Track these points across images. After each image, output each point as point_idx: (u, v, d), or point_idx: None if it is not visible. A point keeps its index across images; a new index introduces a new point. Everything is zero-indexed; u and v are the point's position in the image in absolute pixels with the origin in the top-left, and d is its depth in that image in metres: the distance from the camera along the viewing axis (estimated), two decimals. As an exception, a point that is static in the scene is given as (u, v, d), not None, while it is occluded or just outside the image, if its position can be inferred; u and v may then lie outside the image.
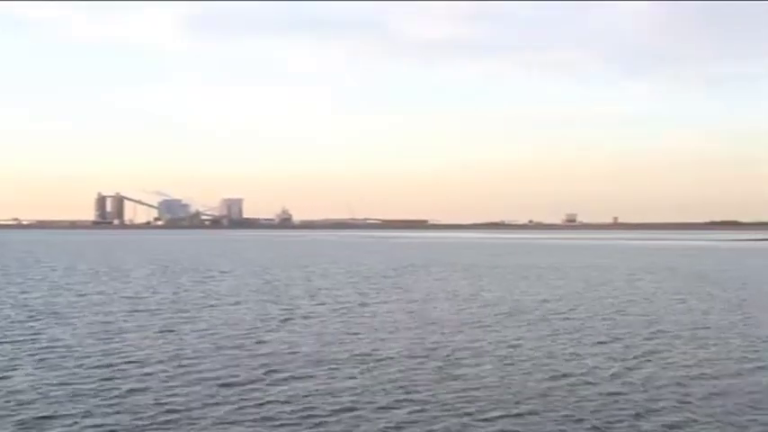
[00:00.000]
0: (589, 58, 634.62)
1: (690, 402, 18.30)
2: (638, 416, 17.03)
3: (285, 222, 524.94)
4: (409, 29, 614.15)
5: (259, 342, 26.55)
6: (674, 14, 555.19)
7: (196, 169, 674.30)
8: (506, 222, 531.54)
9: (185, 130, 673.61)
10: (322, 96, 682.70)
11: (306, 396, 18.72)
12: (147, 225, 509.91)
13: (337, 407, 17.67)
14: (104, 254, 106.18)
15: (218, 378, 20.66)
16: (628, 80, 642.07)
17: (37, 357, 23.46)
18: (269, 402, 18.07)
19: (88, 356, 23.62)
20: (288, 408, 17.60)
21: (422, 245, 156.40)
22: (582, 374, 21.31)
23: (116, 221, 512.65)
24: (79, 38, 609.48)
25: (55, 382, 20.05)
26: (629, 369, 22.10)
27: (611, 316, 34.20)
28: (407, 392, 19.11)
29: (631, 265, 76.79)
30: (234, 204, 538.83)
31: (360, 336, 28.15)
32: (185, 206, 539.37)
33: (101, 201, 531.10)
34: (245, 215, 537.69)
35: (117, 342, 26.40)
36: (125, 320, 32.09)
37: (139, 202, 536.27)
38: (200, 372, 21.51)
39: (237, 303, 39.04)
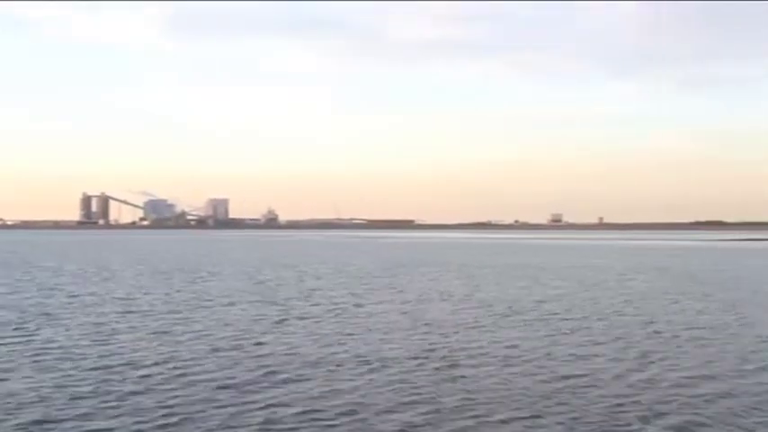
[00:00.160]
0: (576, 59, 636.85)
1: (695, 404, 18.18)
2: (644, 418, 16.88)
3: (271, 222, 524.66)
4: (397, 30, 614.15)
5: (257, 344, 26.28)
6: (661, 15, 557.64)
7: (182, 169, 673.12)
8: (493, 222, 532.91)
9: (171, 130, 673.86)
10: (309, 97, 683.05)
11: (307, 398, 18.50)
12: (133, 225, 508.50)
13: (340, 409, 17.46)
14: (92, 254, 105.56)
15: (217, 380, 20.41)
16: (614, 81, 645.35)
17: (32, 359, 23.13)
18: (271, 405, 17.83)
19: (84, 358, 23.33)
20: (290, 410, 17.37)
21: (409, 245, 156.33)
22: (584, 376, 21.16)
23: (101, 221, 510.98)
24: (64, 37, 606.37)
25: (52, 384, 19.77)
26: (631, 370, 21.95)
27: (608, 316, 34.12)
28: (410, 394, 18.92)
29: (622, 265, 76.89)
30: (220, 204, 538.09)
31: (358, 337, 27.95)
32: (171, 206, 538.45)
33: (86, 201, 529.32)
34: (231, 215, 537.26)
35: (113, 344, 26.11)
36: (119, 322, 31.78)
37: (125, 202, 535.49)
38: (198, 373, 21.27)
39: (231, 304, 38.75)
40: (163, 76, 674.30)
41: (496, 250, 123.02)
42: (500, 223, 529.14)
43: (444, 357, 23.77)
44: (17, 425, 16.18)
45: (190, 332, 28.93)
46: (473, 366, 22.50)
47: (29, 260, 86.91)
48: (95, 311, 35.26)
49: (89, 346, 25.63)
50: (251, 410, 17.38)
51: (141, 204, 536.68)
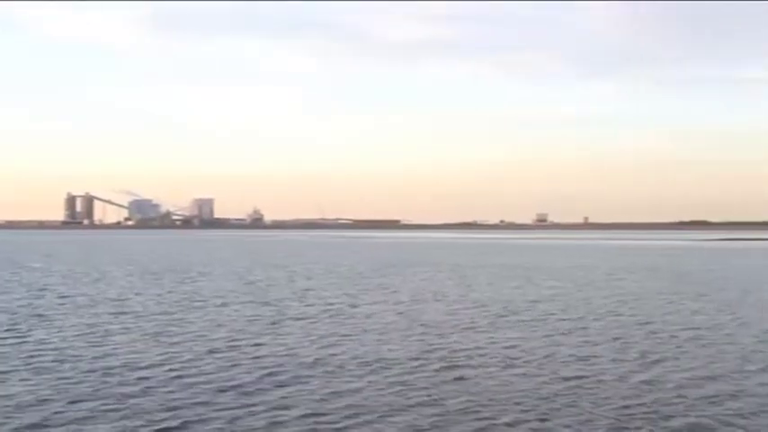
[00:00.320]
0: (558, 59, 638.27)
1: (700, 405, 18.08)
2: (652, 420, 16.77)
3: (256, 222, 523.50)
4: (381, 30, 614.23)
5: (255, 345, 26.05)
6: (641, 16, 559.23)
7: (167, 169, 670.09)
8: (478, 222, 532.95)
9: (156, 130, 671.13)
10: (294, 97, 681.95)
11: (310, 401, 18.32)
12: (118, 225, 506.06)
13: (344, 412, 17.26)
14: (79, 254, 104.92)
15: (217, 382, 20.20)
16: (597, 81, 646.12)
17: (28, 361, 22.82)
18: (273, 408, 17.65)
19: (81, 360, 23.06)
20: (293, 413, 17.21)
21: (396, 245, 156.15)
22: (586, 377, 21.03)
23: (86, 221, 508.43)
24: (47, 36, 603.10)
25: (49, 386, 19.51)
26: (633, 372, 21.84)
27: (605, 317, 34.04)
28: (414, 397, 18.74)
29: (612, 265, 76.98)
30: (205, 204, 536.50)
31: (356, 338, 27.74)
32: (156, 206, 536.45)
33: (70, 201, 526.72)
34: (217, 215, 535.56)
35: (109, 345, 25.82)
36: (113, 323, 31.46)
37: (109, 201, 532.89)
38: (198, 375, 21.03)
39: (224, 305, 38.45)
40: (147, 76, 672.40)
41: (484, 250, 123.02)
42: (485, 223, 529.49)
43: (445, 359, 23.62)
44: (17, 427, 15.96)
45: (186, 333, 28.67)
46: (474, 368, 22.36)
47: (15, 260, 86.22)
48: (88, 312, 34.93)
49: (85, 347, 25.34)
50: (254, 413, 17.18)
51: (126, 204, 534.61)
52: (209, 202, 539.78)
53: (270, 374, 21.24)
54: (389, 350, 25.07)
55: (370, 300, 41.06)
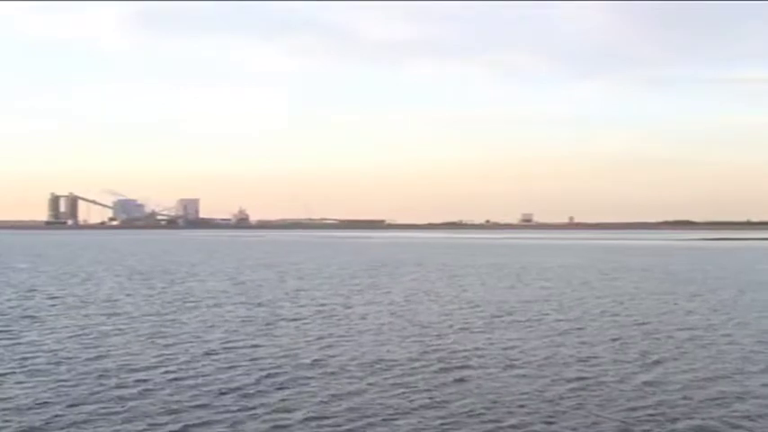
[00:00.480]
0: (546, 59, 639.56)
1: (706, 407, 17.99)
2: (660, 423, 16.63)
3: (242, 222, 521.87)
4: (366, 29, 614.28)
5: (252, 346, 25.77)
6: (628, 16, 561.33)
7: (152, 169, 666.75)
8: (464, 222, 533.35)
9: (142, 129, 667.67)
10: (279, 96, 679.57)
11: (313, 403, 18.09)
12: (102, 225, 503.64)
13: (347, 415, 17.05)
14: (64, 255, 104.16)
15: (216, 384, 19.95)
16: (582, 81, 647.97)
17: (23, 363, 22.49)
18: (277, 410, 17.44)
19: (77, 362, 22.74)
20: (297, 415, 17.01)
21: (383, 245, 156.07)
22: (589, 378, 20.88)
23: (70, 222, 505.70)
24: (21, 34, 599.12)
25: (47, 389, 19.22)
26: (636, 373, 21.69)
27: (602, 317, 33.94)
28: (417, 399, 18.54)
29: (602, 265, 76.99)
30: (190, 204, 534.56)
31: (354, 339, 27.49)
32: (140, 206, 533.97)
33: (54, 201, 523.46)
34: (202, 215, 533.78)
35: (104, 347, 25.48)
36: (106, 324, 31.09)
37: (94, 202, 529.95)
38: (197, 378, 20.77)
39: (217, 305, 38.14)
40: (132, 75, 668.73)
41: (470, 250, 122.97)
42: (471, 223, 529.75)
43: (445, 360, 23.42)
44: (17, 430, 15.71)
45: (180, 334, 28.37)
46: (475, 369, 22.18)
47: (0, 261, 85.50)
48: (80, 314, 34.54)
49: (80, 349, 25.01)
50: (257, 416, 16.97)
51: (110, 204, 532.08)
52: (195, 202, 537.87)
53: (269, 376, 21.01)
54: (388, 351, 24.87)
55: (364, 300, 40.81)
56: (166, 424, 16.28)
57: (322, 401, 18.25)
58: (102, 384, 19.80)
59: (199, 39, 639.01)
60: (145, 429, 15.91)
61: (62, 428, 15.90)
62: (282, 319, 32.65)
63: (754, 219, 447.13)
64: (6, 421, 16.34)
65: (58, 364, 22.53)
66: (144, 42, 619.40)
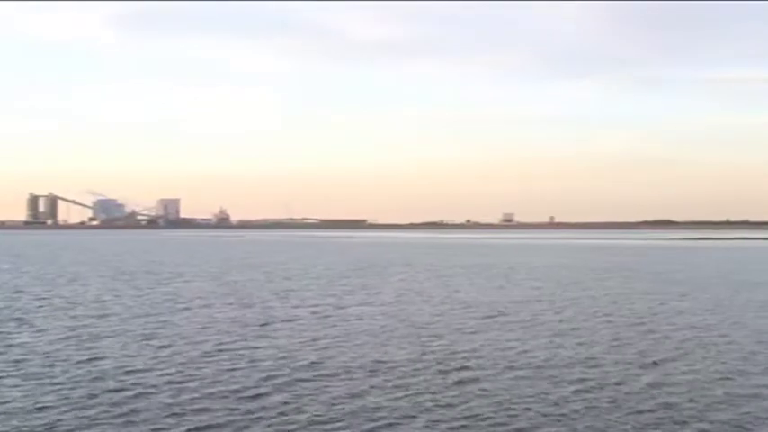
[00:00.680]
0: (530, 60, 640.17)
1: (715, 407, 17.90)
2: (665, 425, 16.47)
3: (223, 222, 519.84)
4: (354, 30, 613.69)
5: (249, 348, 25.47)
6: (613, 16, 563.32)
7: (132, 169, 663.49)
8: (445, 222, 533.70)
9: (122, 129, 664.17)
10: (260, 96, 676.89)
11: (311, 405, 17.85)
12: (82, 225, 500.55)
13: (350, 418, 16.80)
14: (46, 255, 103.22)
15: (215, 386, 19.71)
16: (563, 81, 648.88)
17: (18, 366, 22.12)
18: (281, 413, 17.19)
19: (72, 364, 22.40)
20: (297, 418, 16.76)
21: (365, 245, 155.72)
22: (590, 380, 20.76)
23: (49, 222, 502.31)
24: (7, 34, 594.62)
25: (44, 392, 18.90)
26: (639, 375, 21.61)
27: (597, 317, 33.86)
28: (420, 401, 18.34)
29: (589, 265, 77.05)
30: (171, 204, 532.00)
31: (351, 340, 27.21)
32: (121, 206, 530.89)
33: (33, 201, 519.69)
34: (183, 215, 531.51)
35: (98, 349, 25.10)
36: (98, 326, 30.66)
37: (74, 201, 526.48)
38: (194, 380, 20.50)
39: (208, 306, 37.77)
40: (113, 75, 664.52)
41: (453, 250, 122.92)
42: (452, 223, 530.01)
43: (445, 361, 23.21)
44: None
45: (174, 336, 28.02)
46: (475, 370, 22.00)
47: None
48: (69, 315, 34.08)
49: (74, 351, 24.61)
50: (259, 418, 16.77)
51: (90, 204, 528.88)
52: (175, 202, 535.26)
53: (268, 378, 20.77)
54: (387, 353, 24.64)
55: (356, 301, 40.50)
56: (168, 429, 16.00)
57: (323, 403, 18.02)
58: (99, 387, 19.48)
59: (183, 39, 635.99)
60: (150, 432, 15.62)
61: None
62: (276, 321, 32.32)
63: (733, 218, 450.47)
64: (7, 425, 16.00)
65: (53, 366, 22.16)
66: (125, 43, 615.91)
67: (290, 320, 32.39)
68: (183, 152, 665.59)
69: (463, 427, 16.27)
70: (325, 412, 17.21)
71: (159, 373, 21.37)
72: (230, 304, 38.68)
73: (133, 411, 17.14)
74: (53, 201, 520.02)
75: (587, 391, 19.33)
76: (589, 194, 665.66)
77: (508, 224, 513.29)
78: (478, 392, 19.20)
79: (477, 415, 17.11)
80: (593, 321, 32.33)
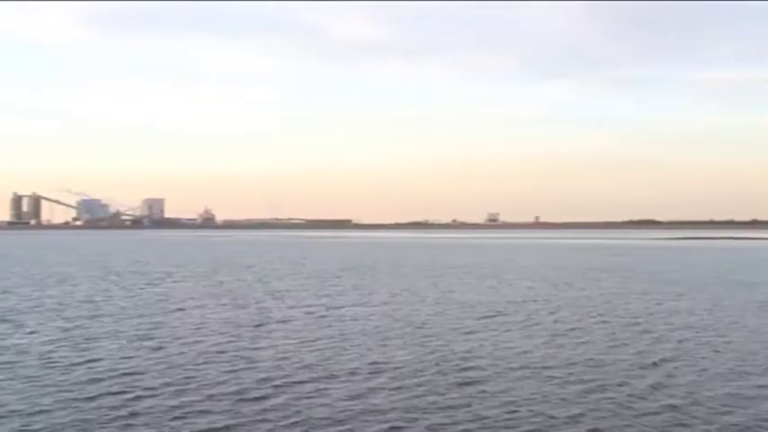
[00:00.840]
0: (513, 60, 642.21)
1: (723, 407, 17.77)
2: (671, 427, 16.33)
3: (208, 222, 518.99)
4: (337, 29, 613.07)
5: (247, 349, 25.19)
6: (596, 17, 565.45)
7: (116, 169, 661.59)
8: (430, 221, 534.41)
9: (107, 128, 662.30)
10: (245, 96, 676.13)
11: (313, 407, 17.60)
12: (66, 225, 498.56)
13: (354, 421, 16.55)
14: (31, 255, 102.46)
15: (215, 388, 19.43)
16: (547, 81, 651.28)
17: (13, 368, 21.76)
18: (286, 416, 16.94)
19: (68, 366, 22.06)
20: (300, 420, 16.53)
21: (352, 245, 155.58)
22: (593, 381, 20.57)
23: (33, 222, 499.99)
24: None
25: (42, 394, 18.59)
26: (640, 375, 21.43)
27: (593, 317, 33.72)
28: (423, 403, 18.11)
29: (579, 264, 77.01)
30: (155, 204, 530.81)
31: (351, 341, 26.94)
32: (105, 206, 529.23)
33: (16, 200, 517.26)
34: (168, 215, 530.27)
35: (93, 351, 24.76)
36: (92, 327, 30.28)
37: (57, 201, 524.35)
38: (193, 381, 20.22)
39: (201, 307, 37.43)
40: (96, 74, 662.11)
41: (440, 250, 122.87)
42: (437, 223, 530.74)
43: (445, 363, 22.97)
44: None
45: (169, 337, 27.71)
46: (476, 371, 21.79)
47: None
48: (61, 316, 33.65)
49: (69, 354, 24.24)
50: (259, 420, 16.54)
51: (74, 204, 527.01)
52: (160, 201, 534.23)
53: (265, 379, 20.55)
54: (386, 354, 24.43)
55: (351, 301, 40.21)
56: (167, 431, 15.77)
57: (321, 405, 17.81)
58: (98, 389, 19.21)
59: (166, 38, 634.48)
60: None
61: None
62: (271, 321, 32.05)
63: (716, 218, 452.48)
64: (4, 428, 15.76)
65: (49, 368, 21.85)
66: (109, 42, 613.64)
67: (284, 321, 32.12)
68: (167, 152, 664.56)
69: (465, 430, 16.04)
70: (324, 414, 17.00)
71: (155, 374, 21.10)
72: (223, 305, 38.36)
73: (131, 414, 16.89)
74: (36, 201, 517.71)
75: (590, 393, 19.16)
76: (575, 194, 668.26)
77: (493, 224, 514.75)
78: (478, 394, 19.02)
79: (478, 417, 16.92)
80: (590, 321, 32.19)
